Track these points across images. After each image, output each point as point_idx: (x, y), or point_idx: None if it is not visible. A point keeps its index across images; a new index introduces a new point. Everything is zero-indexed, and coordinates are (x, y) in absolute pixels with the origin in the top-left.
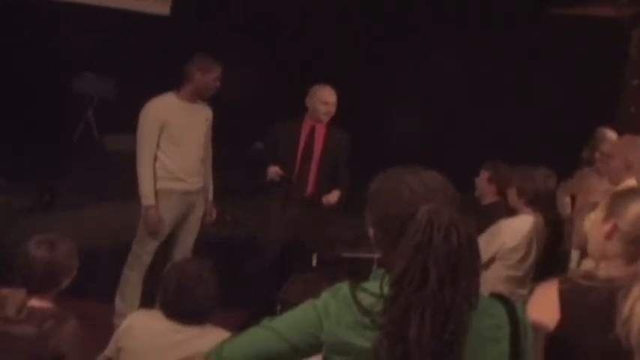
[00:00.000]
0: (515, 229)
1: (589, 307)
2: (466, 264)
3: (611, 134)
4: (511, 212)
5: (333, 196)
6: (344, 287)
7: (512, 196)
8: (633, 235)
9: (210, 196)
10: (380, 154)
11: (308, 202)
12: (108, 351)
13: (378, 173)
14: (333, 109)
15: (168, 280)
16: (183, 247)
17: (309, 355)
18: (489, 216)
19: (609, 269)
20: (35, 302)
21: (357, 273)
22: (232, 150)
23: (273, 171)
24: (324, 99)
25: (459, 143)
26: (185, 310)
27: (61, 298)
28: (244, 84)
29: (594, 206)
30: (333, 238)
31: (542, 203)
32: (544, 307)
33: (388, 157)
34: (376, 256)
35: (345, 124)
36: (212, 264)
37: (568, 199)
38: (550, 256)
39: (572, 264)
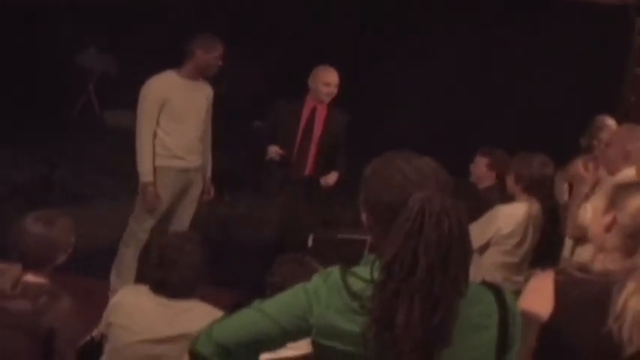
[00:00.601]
0: (511, 215)
1: (584, 299)
2: (456, 251)
3: (610, 122)
4: (506, 196)
5: (331, 177)
6: (334, 271)
7: (510, 182)
8: (632, 229)
9: (209, 174)
10: (380, 135)
11: (306, 183)
12: (100, 327)
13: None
14: (334, 90)
15: (152, 254)
16: (180, 225)
17: (299, 338)
18: (484, 200)
19: (606, 262)
20: (30, 278)
21: (353, 255)
22: (232, 128)
23: (273, 150)
24: (325, 80)
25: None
26: (169, 284)
27: (58, 273)
28: (246, 69)
29: (587, 197)
30: (330, 219)
31: (539, 190)
32: (538, 297)
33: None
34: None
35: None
36: (198, 237)
37: (566, 186)
38: (546, 243)
39: (566, 252)
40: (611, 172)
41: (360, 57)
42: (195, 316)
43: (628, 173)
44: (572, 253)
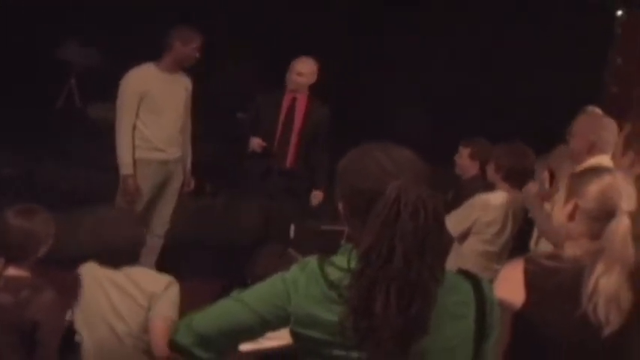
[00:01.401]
0: (490, 204)
1: (555, 287)
2: (433, 240)
3: (591, 112)
4: (489, 187)
5: (317, 197)
6: (312, 261)
7: (490, 171)
8: (596, 212)
9: (189, 166)
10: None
11: (288, 174)
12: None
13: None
14: (306, 80)
15: (85, 231)
16: (161, 217)
17: (278, 327)
18: (468, 190)
19: (575, 249)
20: (12, 271)
21: (335, 245)
22: (212, 120)
23: (255, 142)
24: (297, 69)
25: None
26: (105, 255)
27: (42, 267)
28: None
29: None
30: (312, 210)
31: (519, 179)
32: (510, 286)
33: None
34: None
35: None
36: (130, 211)
37: (546, 174)
38: (527, 232)
39: (532, 242)
40: (577, 162)
41: (359, 56)
42: (139, 276)
43: (592, 163)
44: (537, 243)
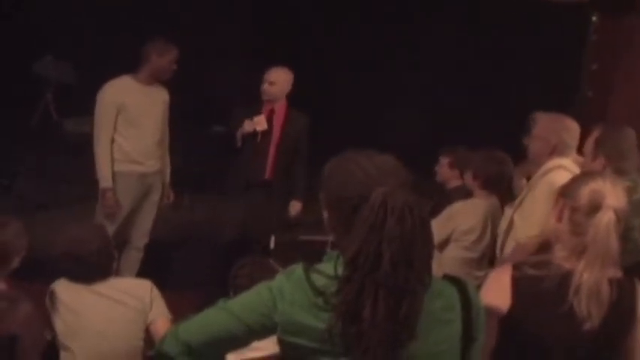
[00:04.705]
0: (469, 211)
1: (541, 291)
2: (419, 246)
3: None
4: (470, 195)
5: (295, 207)
6: (298, 269)
7: (468, 179)
8: (584, 208)
9: (168, 178)
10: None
11: (266, 185)
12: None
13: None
14: (279, 89)
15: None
16: (141, 230)
17: (264, 336)
18: (451, 200)
19: (562, 251)
20: None
21: (315, 256)
22: (191, 132)
23: (248, 123)
24: (269, 79)
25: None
26: (78, 272)
27: (18, 281)
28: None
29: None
30: (290, 221)
31: (497, 186)
32: (497, 292)
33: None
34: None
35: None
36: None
37: (524, 181)
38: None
39: (497, 249)
40: (537, 164)
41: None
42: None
43: (550, 165)
44: (502, 250)
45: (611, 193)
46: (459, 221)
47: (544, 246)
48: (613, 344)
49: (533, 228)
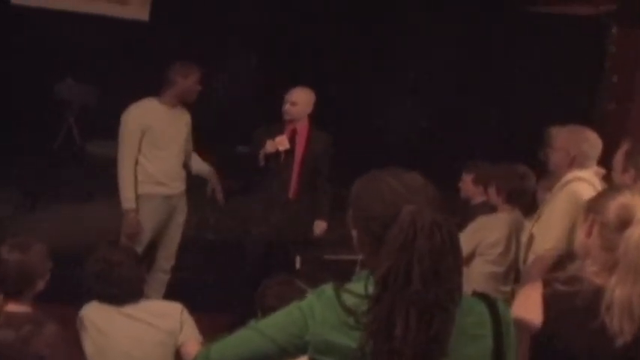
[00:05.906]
0: (493, 225)
1: (573, 307)
2: (449, 262)
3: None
4: (494, 210)
5: (320, 227)
6: (328, 288)
7: (492, 193)
8: (614, 223)
9: (214, 174)
10: (368, 157)
11: (290, 204)
12: None
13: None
14: (301, 109)
15: (88, 274)
16: (167, 252)
17: (296, 355)
18: (476, 216)
19: (593, 266)
20: (12, 307)
21: (340, 275)
22: (216, 153)
23: (270, 144)
24: (291, 99)
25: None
26: (109, 295)
27: (45, 303)
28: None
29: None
30: (316, 241)
31: (520, 200)
32: (529, 308)
33: (376, 158)
34: (359, 257)
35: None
36: (131, 249)
37: (548, 195)
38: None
39: (520, 263)
40: (558, 176)
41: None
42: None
43: (569, 177)
44: (524, 263)
45: None
46: (484, 234)
47: (563, 258)
48: None
49: (551, 240)
